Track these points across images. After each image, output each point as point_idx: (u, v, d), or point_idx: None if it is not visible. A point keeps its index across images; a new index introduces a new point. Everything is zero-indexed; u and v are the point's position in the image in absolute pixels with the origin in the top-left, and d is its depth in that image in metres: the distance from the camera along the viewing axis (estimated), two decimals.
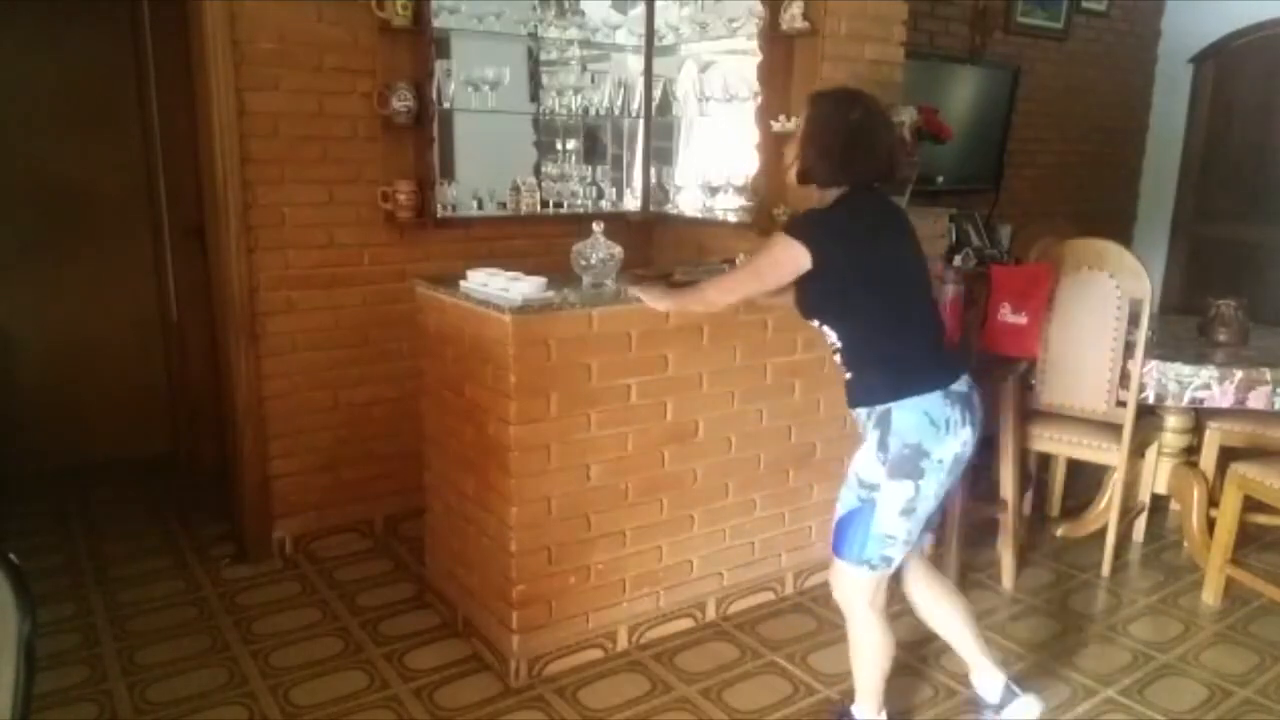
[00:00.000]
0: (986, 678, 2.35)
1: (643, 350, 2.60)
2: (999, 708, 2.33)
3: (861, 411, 2.19)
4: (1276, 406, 3.16)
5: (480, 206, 3.53)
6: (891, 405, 2.09)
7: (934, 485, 2.10)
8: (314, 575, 3.21)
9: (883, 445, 2.10)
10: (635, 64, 3.78)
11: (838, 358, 2.20)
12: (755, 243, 2.53)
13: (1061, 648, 2.87)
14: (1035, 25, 5.04)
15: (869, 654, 2.26)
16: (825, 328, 2.19)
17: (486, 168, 3.60)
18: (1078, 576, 3.34)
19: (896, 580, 2.29)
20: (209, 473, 3.68)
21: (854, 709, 2.34)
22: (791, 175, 2.18)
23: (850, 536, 2.15)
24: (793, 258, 2.06)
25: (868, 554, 2.14)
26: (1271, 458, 3.11)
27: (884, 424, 2.10)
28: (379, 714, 2.46)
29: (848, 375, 2.20)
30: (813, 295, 2.16)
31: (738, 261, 2.60)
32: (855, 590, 2.19)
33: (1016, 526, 3.23)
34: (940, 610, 2.34)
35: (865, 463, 2.14)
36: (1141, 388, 3.17)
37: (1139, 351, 3.13)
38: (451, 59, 3.38)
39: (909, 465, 2.08)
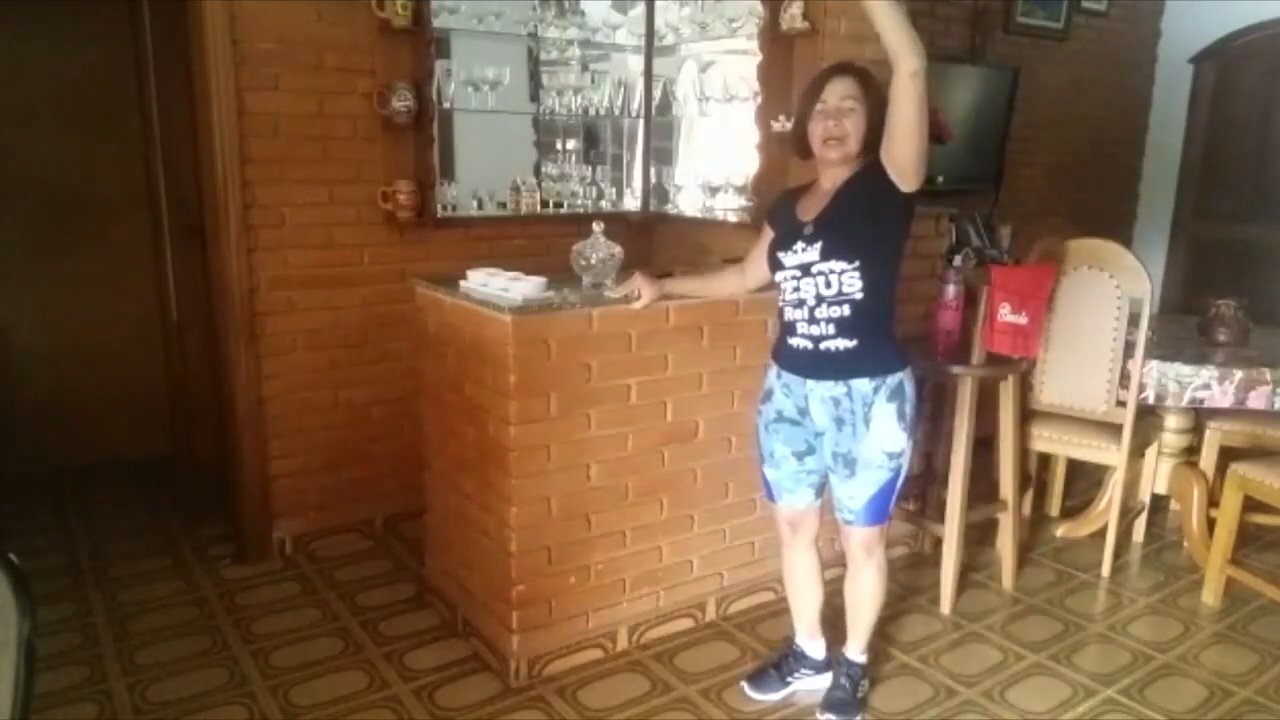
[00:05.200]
0: (816, 644, 2.63)
1: (643, 350, 2.60)
2: (823, 666, 2.61)
3: (865, 384, 2.21)
4: (1276, 406, 3.16)
5: (480, 206, 3.53)
6: (901, 374, 2.23)
7: None
8: (314, 575, 3.21)
9: (901, 415, 2.23)
10: (635, 64, 3.78)
11: (833, 326, 2.19)
12: (755, 243, 2.53)
13: (1061, 648, 2.87)
14: (1035, 25, 5.03)
15: (882, 596, 2.47)
16: (853, 273, 2.15)
17: (486, 168, 3.60)
18: (1078, 576, 3.34)
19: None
20: (209, 473, 3.68)
21: (851, 653, 2.52)
22: (853, 146, 2.17)
23: (885, 504, 2.32)
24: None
25: (891, 509, 2.36)
26: (1271, 458, 3.11)
27: (899, 394, 2.23)
28: (379, 714, 2.46)
29: (850, 344, 2.19)
30: (896, 221, 2.21)
31: None
32: (880, 543, 2.40)
33: (1016, 526, 3.23)
34: (816, 579, 2.56)
35: (887, 437, 2.23)
36: (1141, 388, 3.17)
37: (1139, 351, 3.13)
38: (451, 59, 3.38)
39: (915, 419, 2.31)
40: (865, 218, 2.17)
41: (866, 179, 2.18)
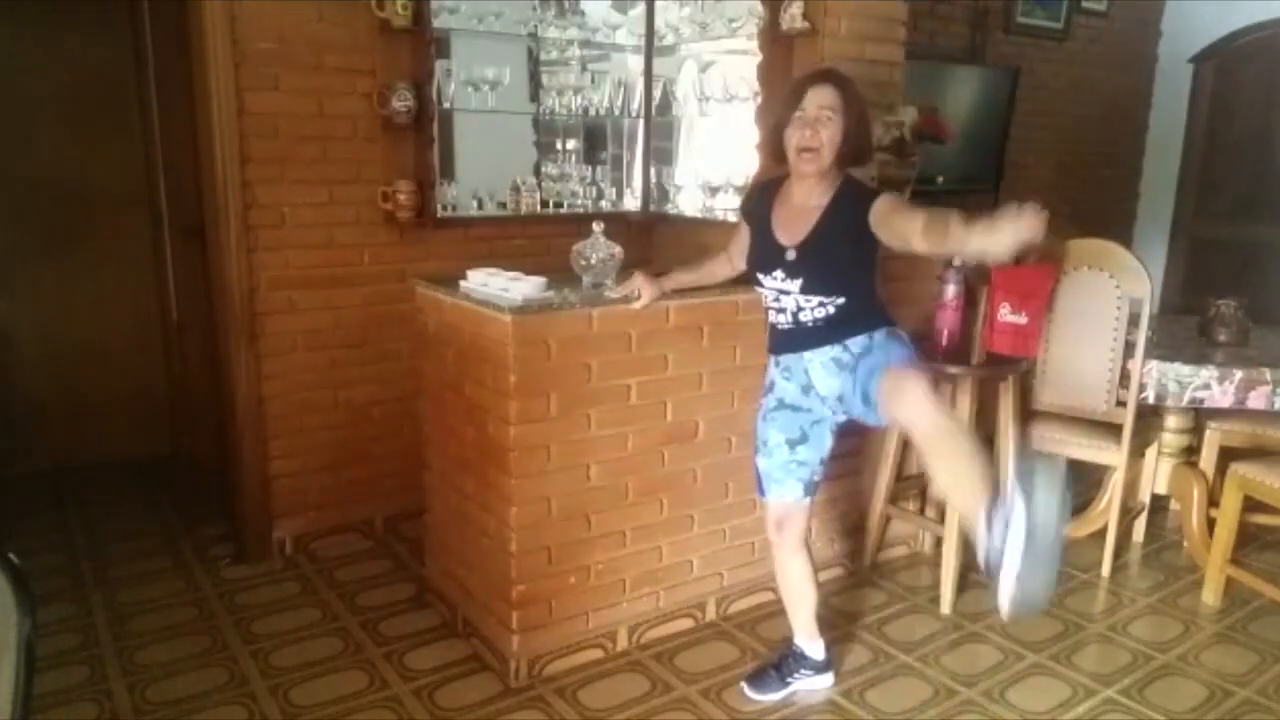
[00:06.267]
0: (815, 644, 2.61)
1: (643, 350, 2.61)
2: (823, 666, 2.61)
3: (860, 340, 2.25)
4: (1276, 406, 3.16)
5: (480, 206, 3.53)
6: (892, 326, 2.28)
7: None
8: (314, 575, 3.21)
9: (903, 344, 2.26)
10: (635, 64, 3.78)
11: (820, 320, 2.25)
12: (734, 236, 2.54)
13: (1061, 648, 2.87)
14: (1035, 25, 5.04)
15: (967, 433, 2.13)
16: (830, 300, 2.21)
17: (486, 168, 3.60)
18: (1078, 576, 3.34)
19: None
20: (209, 473, 3.67)
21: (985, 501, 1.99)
22: (827, 157, 2.18)
23: (910, 361, 2.21)
24: None
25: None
26: (1271, 458, 3.11)
27: (896, 337, 2.27)
28: (379, 714, 2.46)
29: (839, 318, 2.24)
30: (870, 248, 2.23)
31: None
32: (930, 384, 2.05)
33: None
34: (809, 580, 2.54)
35: (897, 351, 2.23)
36: (1141, 388, 3.17)
37: (1139, 351, 3.13)
38: (451, 59, 3.38)
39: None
40: (845, 253, 2.23)
41: (845, 211, 2.21)
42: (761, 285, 2.31)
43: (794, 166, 2.24)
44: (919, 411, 2.02)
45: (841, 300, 2.22)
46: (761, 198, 2.39)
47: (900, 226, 2.08)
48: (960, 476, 2.03)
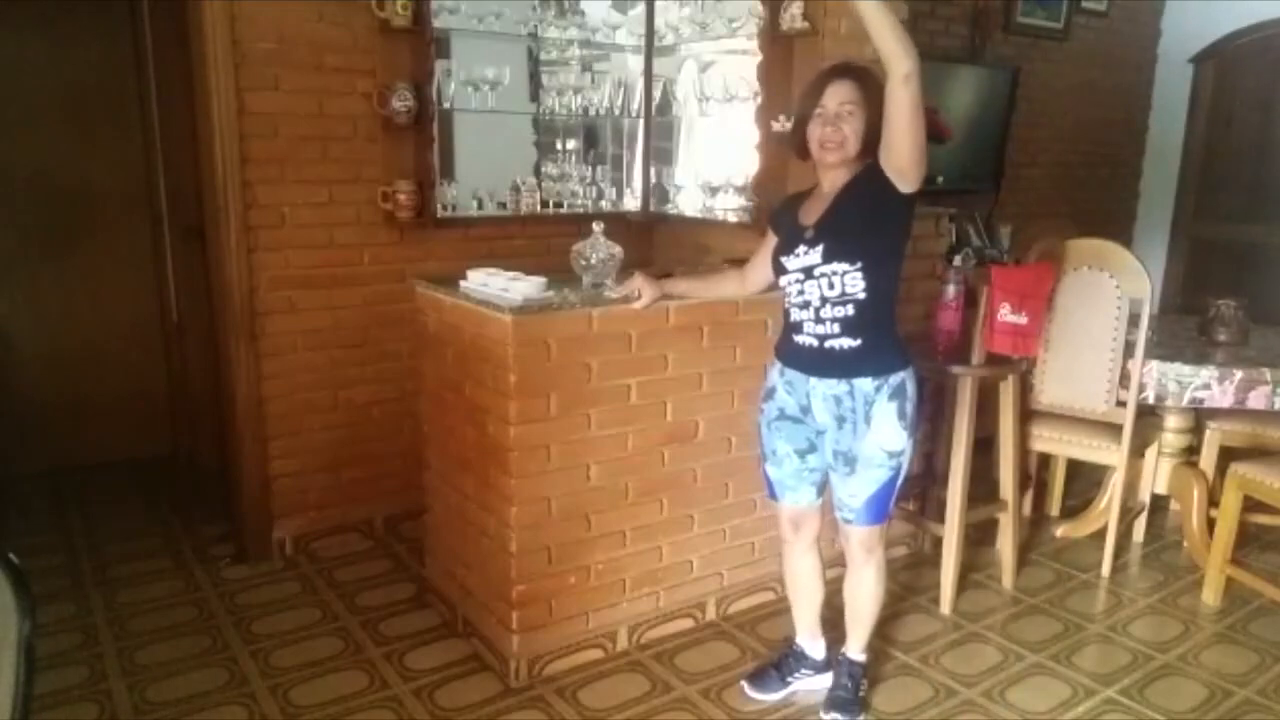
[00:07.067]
0: (816, 644, 2.64)
1: (643, 350, 2.60)
2: (823, 666, 2.62)
3: (868, 383, 2.21)
4: (1276, 406, 3.16)
5: (480, 206, 3.53)
6: (903, 374, 2.24)
7: None
8: (314, 575, 3.21)
9: (902, 414, 2.24)
10: (635, 64, 3.78)
11: (838, 325, 2.19)
12: (755, 243, 2.54)
13: (1061, 648, 2.87)
14: (1035, 25, 5.03)
15: (882, 595, 2.48)
16: (855, 274, 2.15)
17: (486, 168, 3.60)
18: (1078, 576, 3.34)
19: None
20: (209, 473, 3.68)
21: (852, 653, 2.53)
22: (852, 149, 2.16)
23: (885, 503, 2.33)
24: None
25: (891, 509, 2.37)
26: (1271, 458, 3.11)
27: (900, 393, 2.24)
28: (379, 714, 2.46)
29: (855, 343, 2.20)
30: (897, 221, 2.21)
31: None
32: (879, 542, 2.41)
33: (1016, 526, 3.23)
34: (818, 579, 2.57)
35: (887, 435, 2.24)
36: (1141, 388, 3.17)
37: (1139, 351, 3.13)
38: (451, 59, 3.38)
39: (916, 419, 2.30)
40: (866, 219, 2.18)
41: (867, 181, 2.18)
42: (786, 272, 2.25)
43: (819, 160, 2.22)
44: (861, 563, 2.41)
45: (862, 283, 2.15)
46: (788, 205, 2.38)
47: (886, 114, 2.05)
48: (859, 615, 2.48)
